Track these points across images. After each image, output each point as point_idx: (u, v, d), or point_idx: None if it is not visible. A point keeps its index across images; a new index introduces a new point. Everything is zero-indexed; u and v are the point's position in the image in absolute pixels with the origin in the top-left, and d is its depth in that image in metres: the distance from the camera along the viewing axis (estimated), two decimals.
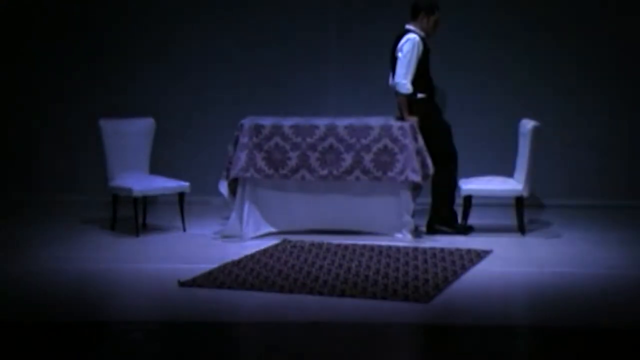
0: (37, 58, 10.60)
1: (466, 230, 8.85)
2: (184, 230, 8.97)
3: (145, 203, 9.12)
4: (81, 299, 6.88)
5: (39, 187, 10.55)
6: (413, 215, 8.65)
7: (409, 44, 8.71)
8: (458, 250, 8.12)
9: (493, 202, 9.24)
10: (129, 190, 8.79)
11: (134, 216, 8.79)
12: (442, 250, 8.14)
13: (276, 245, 8.33)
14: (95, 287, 7.19)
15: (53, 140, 10.58)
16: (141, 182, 8.93)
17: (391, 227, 8.64)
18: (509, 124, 9.37)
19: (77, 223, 9.36)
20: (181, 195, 8.99)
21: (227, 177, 8.69)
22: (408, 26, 8.84)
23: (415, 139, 8.59)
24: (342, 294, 6.80)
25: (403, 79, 8.68)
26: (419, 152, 8.58)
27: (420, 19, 8.82)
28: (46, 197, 10.38)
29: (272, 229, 8.78)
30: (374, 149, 8.57)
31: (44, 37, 10.58)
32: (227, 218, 8.93)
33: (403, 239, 8.53)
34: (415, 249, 8.17)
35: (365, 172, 8.57)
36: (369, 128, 8.62)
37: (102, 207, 9.69)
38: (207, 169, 9.62)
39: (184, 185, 9.01)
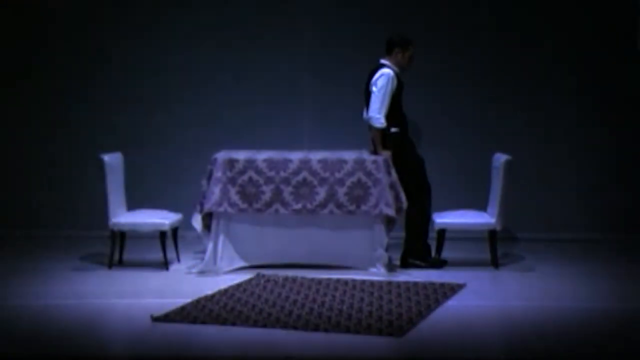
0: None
1: (440, 264, 8.87)
2: (179, 261, 8.98)
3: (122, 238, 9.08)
4: (53, 335, 6.81)
5: (13, 222, 10.49)
6: (387, 249, 8.66)
7: (384, 78, 8.75)
8: (432, 284, 8.13)
9: (466, 235, 9.26)
10: (161, 224, 8.73)
11: (114, 251, 8.81)
12: (415, 284, 8.14)
13: (250, 280, 8.31)
14: (65, 322, 7.11)
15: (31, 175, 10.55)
16: (148, 215, 8.91)
17: (365, 261, 8.64)
18: (482, 158, 9.42)
19: (57, 260, 9.29)
20: (174, 228, 9.00)
21: (201, 211, 8.67)
22: (383, 61, 8.89)
23: (389, 173, 8.62)
24: (316, 329, 6.79)
25: (377, 114, 8.71)
26: (392, 186, 8.61)
27: (395, 54, 8.87)
28: (22, 232, 10.36)
29: (246, 263, 8.76)
30: (348, 182, 8.59)
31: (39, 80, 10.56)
32: (200, 252, 8.88)
33: (377, 273, 8.53)
34: (389, 283, 8.17)
35: (339, 205, 8.57)
36: (342, 162, 8.63)
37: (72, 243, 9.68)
38: (180, 203, 9.56)
39: (179, 217, 9.05)
